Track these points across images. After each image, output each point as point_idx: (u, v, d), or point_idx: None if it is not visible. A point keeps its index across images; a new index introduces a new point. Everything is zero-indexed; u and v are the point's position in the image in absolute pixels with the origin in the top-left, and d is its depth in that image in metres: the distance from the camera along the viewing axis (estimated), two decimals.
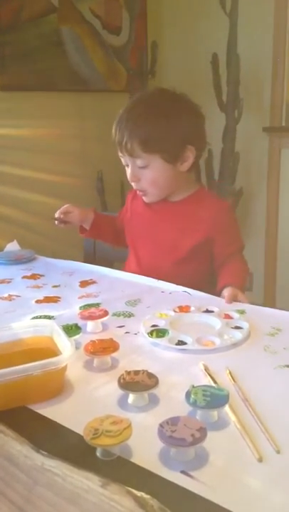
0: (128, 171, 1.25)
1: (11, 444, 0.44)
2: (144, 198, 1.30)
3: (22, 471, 0.40)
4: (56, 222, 1.36)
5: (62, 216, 1.35)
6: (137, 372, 0.70)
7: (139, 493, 0.39)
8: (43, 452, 0.45)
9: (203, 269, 1.32)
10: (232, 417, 0.65)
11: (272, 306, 3.00)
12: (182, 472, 0.56)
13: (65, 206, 1.37)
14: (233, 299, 1.07)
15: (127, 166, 1.25)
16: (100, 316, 0.92)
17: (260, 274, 2.82)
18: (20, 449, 0.44)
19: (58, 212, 1.36)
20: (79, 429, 0.62)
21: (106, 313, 0.93)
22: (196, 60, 2.61)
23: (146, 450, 0.59)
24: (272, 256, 2.78)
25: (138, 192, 1.30)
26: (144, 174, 1.22)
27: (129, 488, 0.40)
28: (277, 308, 1.03)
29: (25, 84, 2.30)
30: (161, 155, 1.19)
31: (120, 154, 1.24)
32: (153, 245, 1.32)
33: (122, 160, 1.25)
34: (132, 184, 1.27)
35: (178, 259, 1.27)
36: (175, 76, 2.85)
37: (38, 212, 2.19)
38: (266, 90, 2.59)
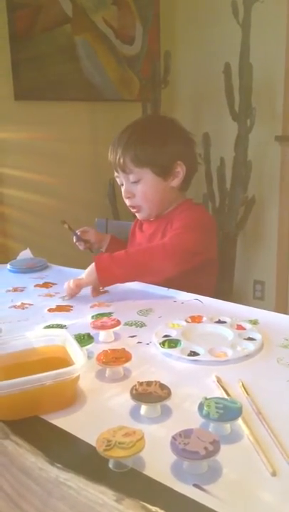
0: (123, 189, 1.31)
1: (25, 456, 0.45)
2: (137, 215, 1.36)
3: (37, 484, 0.40)
4: (75, 240, 1.42)
5: (79, 233, 1.41)
6: (149, 383, 0.70)
7: (153, 509, 0.39)
8: (58, 465, 0.45)
9: (196, 278, 1.29)
10: (245, 430, 0.64)
11: (284, 311, 2.98)
12: (195, 485, 0.56)
13: (83, 228, 1.44)
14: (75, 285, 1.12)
15: (122, 185, 1.31)
16: (112, 326, 0.92)
17: (272, 284, 2.81)
18: (34, 461, 0.44)
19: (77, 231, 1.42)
20: (91, 439, 0.62)
21: (118, 322, 0.93)
22: (209, 69, 2.62)
23: (158, 462, 0.59)
24: (284, 265, 2.77)
25: (132, 210, 1.34)
26: (137, 189, 1.28)
27: (144, 503, 0.39)
28: None
29: (38, 94, 2.33)
30: (152, 169, 1.26)
31: (116, 174, 1.31)
32: None
33: (118, 180, 1.32)
34: (126, 201, 1.32)
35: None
36: (188, 85, 2.87)
37: (50, 218, 2.21)
38: (278, 99, 2.59)
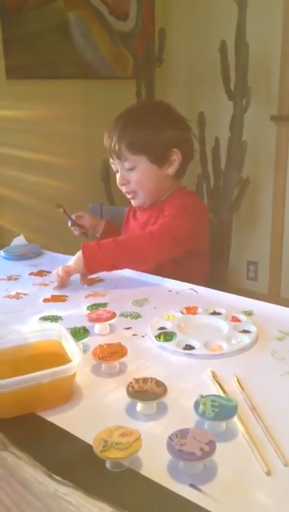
0: (118, 176, 1.30)
1: (25, 468, 0.45)
2: (132, 201, 1.34)
3: (36, 498, 0.41)
4: (70, 225, 1.42)
5: (74, 218, 1.41)
6: (145, 380, 0.71)
7: None
8: (57, 477, 0.45)
9: (192, 265, 1.30)
10: (240, 428, 0.65)
11: (277, 295, 3.00)
12: (191, 485, 0.57)
13: (78, 213, 1.44)
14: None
15: (117, 171, 1.30)
16: (108, 319, 0.92)
17: (266, 264, 2.82)
18: (34, 474, 0.44)
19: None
20: (88, 437, 0.63)
21: (114, 315, 0.93)
22: (204, 47, 2.57)
23: (155, 461, 0.60)
24: (278, 245, 2.78)
25: (127, 195, 1.33)
26: (132, 176, 1.27)
27: None
28: (284, 306, 1.03)
29: (30, 72, 2.28)
30: (148, 156, 1.25)
31: (111, 161, 1.30)
32: None
33: (113, 166, 1.31)
34: (122, 188, 1.31)
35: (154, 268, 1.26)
36: (183, 64, 2.82)
37: (43, 199, 2.19)
38: (275, 79, 2.56)
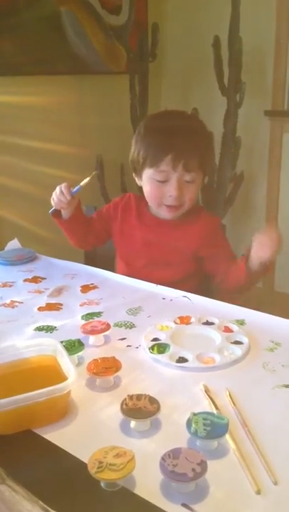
0: (164, 186, 1.24)
1: (22, 503, 0.46)
2: (171, 213, 1.29)
3: None
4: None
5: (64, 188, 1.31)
6: (139, 397, 0.72)
7: None
8: None
9: (198, 278, 1.35)
10: (232, 445, 0.67)
11: (271, 288, 3.00)
12: (183, 505, 0.58)
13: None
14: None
15: (162, 181, 1.24)
16: (102, 330, 0.93)
17: None
18: (30, 509, 0.45)
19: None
20: (83, 454, 0.65)
21: (108, 326, 0.95)
22: (198, 42, 2.55)
23: (148, 480, 0.62)
24: None
25: (170, 207, 1.27)
26: (189, 189, 1.25)
27: None
28: (276, 315, 1.04)
29: (21, 69, 2.25)
30: (203, 176, 1.29)
31: (164, 169, 1.22)
32: (147, 261, 1.34)
33: (161, 175, 1.23)
34: (171, 200, 1.25)
35: (172, 276, 1.28)
36: (176, 59, 2.80)
37: (36, 200, 2.17)
38: (268, 74, 2.55)
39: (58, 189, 1.31)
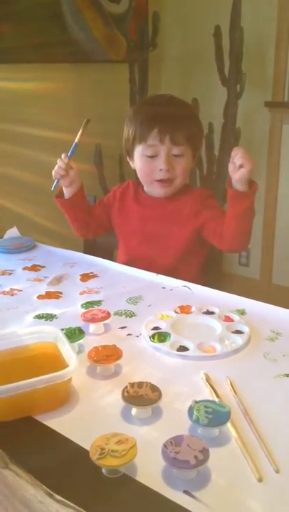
0: (154, 161, 1.27)
1: (25, 487, 0.46)
2: (164, 189, 1.32)
3: None
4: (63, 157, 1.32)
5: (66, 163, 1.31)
6: (140, 385, 0.72)
7: None
8: (57, 497, 0.46)
9: (197, 263, 1.35)
10: (233, 433, 0.67)
11: (269, 281, 3.00)
12: (185, 492, 0.58)
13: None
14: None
15: (151, 156, 1.27)
16: (103, 319, 0.93)
17: (258, 250, 2.83)
18: (34, 493, 0.45)
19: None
20: (85, 441, 0.64)
21: (108, 315, 0.94)
22: (199, 32, 2.53)
23: (150, 467, 0.61)
24: (270, 231, 2.79)
25: (162, 183, 1.30)
26: (179, 162, 1.27)
27: None
28: (276, 305, 1.04)
29: (21, 57, 2.22)
30: (192, 151, 1.29)
31: (151, 143, 1.26)
32: (146, 241, 1.34)
33: (150, 150, 1.27)
34: (163, 174, 1.28)
35: (172, 254, 1.30)
36: (177, 48, 2.78)
37: (36, 188, 2.16)
38: (269, 64, 2.53)
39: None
